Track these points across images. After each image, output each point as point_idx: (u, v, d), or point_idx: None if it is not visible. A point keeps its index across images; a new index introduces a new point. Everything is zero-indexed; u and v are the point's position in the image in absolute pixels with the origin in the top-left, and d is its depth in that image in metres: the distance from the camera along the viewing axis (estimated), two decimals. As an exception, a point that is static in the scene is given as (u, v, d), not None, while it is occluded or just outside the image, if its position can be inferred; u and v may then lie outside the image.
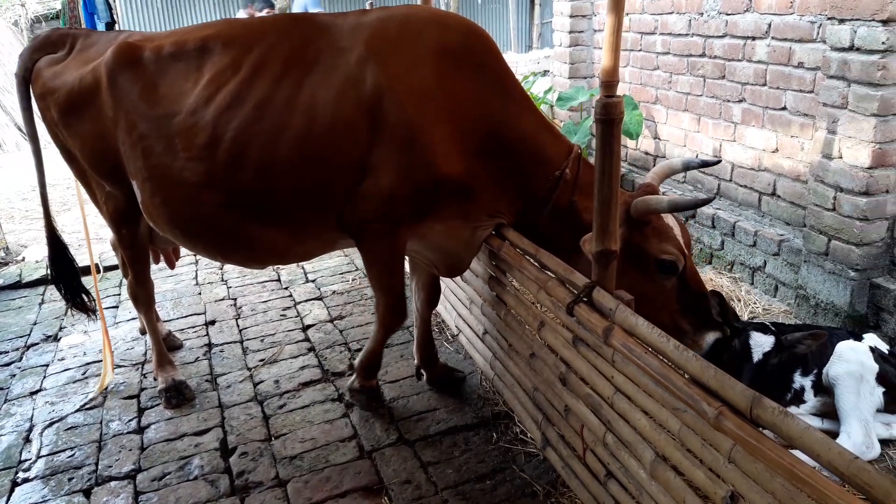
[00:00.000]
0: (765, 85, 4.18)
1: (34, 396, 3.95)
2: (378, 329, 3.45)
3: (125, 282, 4.00)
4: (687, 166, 3.14)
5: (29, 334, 4.72)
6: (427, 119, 2.83)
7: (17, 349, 4.52)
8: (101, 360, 4.24)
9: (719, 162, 2.73)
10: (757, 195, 4.38)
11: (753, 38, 4.20)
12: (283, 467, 3.18)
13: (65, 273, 3.97)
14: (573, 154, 3.01)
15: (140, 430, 3.55)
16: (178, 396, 3.73)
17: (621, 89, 5.41)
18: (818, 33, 3.75)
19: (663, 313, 2.85)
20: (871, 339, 3.13)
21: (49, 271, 3.99)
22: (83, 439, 3.50)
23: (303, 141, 2.88)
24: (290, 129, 2.88)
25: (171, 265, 4.29)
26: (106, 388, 3.93)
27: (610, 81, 3.06)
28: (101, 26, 14.19)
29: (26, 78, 3.52)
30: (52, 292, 5.31)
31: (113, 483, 3.16)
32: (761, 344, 3.14)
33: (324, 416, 3.55)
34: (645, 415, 2.27)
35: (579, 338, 2.59)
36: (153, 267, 3.96)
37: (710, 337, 2.92)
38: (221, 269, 5.62)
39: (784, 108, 4.08)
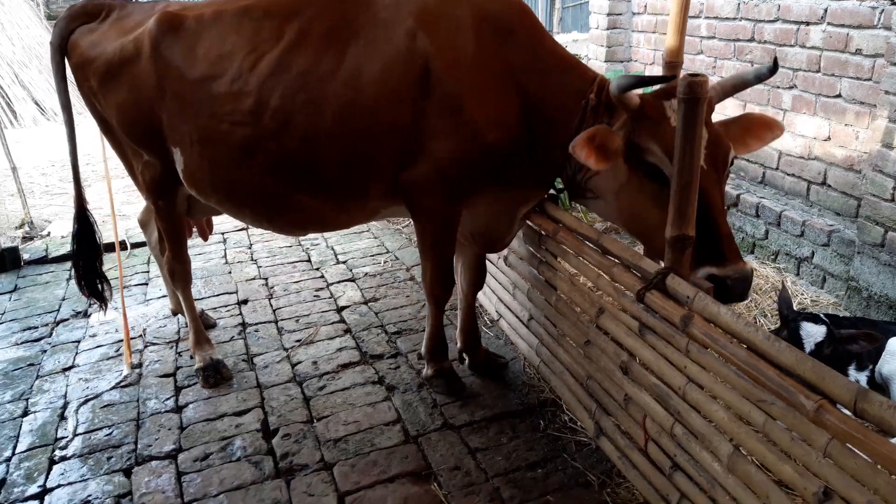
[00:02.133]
0: (818, 72, 4.07)
1: (67, 373, 3.89)
2: (429, 307, 3.45)
3: (153, 258, 3.93)
4: (759, 76, 2.47)
5: (58, 310, 4.66)
6: (473, 87, 2.81)
7: (47, 325, 4.46)
8: (133, 338, 4.19)
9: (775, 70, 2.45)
10: (805, 184, 4.28)
11: (808, 24, 4.08)
12: (328, 450, 3.12)
13: (86, 255, 3.88)
14: (597, 81, 2.83)
15: (178, 409, 3.49)
16: (215, 375, 3.68)
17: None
18: (879, 19, 3.64)
19: (657, 233, 2.47)
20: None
21: (72, 247, 3.90)
22: (120, 417, 3.44)
23: (348, 112, 2.87)
24: (334, 99, 2.87)
25: (205, 237, 4.22)
26: (138, 365, 3.87)
27: (674, 62, 3.00)
28: None
29: (62, 47, 3.50)
30: (79, 268, 5.26)
31: (154, 462, 3.10)
32: (813, 334, 3.05)
33: (365, 399, 3.48)
34: (722, 406, 2.20)
35: (647, 326, 2.51)
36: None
37: (703, 271, 2.39)
38: (250, 248, 5.55)
39: (839, 96, 3.97)
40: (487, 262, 4.01)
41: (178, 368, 3.85)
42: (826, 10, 3.95)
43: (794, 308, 3.50)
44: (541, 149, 2.92)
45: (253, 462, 3.07)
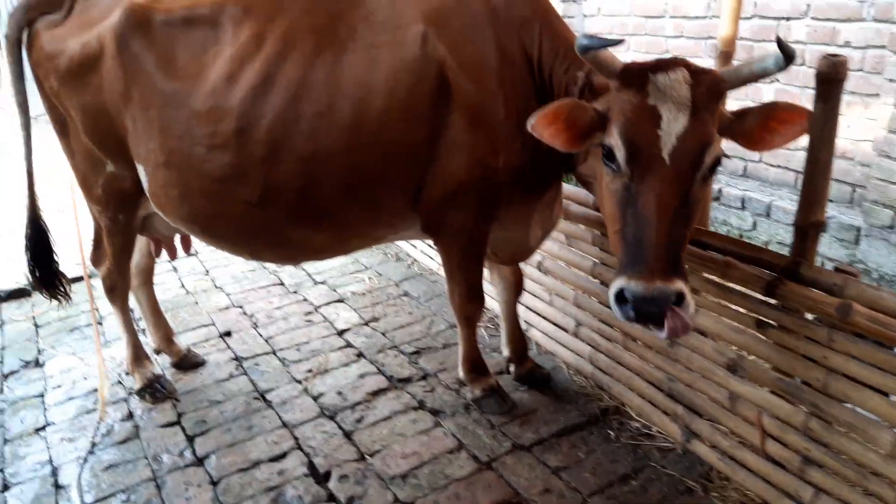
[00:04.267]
0: (803, 65, 4.22)
1: (42, 433, 3.31)
2: (460, 325, 3.22)
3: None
4: (778, 64, 1.96)
5: (1, 361, 3.98)
6: (494, 92, 2.55)
7: (-8, 380, 3.80)
8: (110, 385, 3.65)
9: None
10: (793, 174, 4.43)
11: (788, 19, 4.23)
12: (399, 488, 2.81)
13: (41, 256, 3.43)
14: None
15: (199, 461, 3.04)
16: (161, 390, 3.49)
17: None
18: (868, 12, 3.81)
19: (607, 222, 2.19)
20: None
21: (26, 254, 3.41)
22: (133, 479, 2.95)
23: (354, 128, 2.53)
24: (335, 114, 2.53)
25: (174, 256, 3.73)
26: (129, 416, 3.37)
27: (729, 51, 2.97)
28: None
29: (19, 40, 3.03)
30: (11, 312, 4.57)
31: (198, 527, 2.68)
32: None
33: (414, 428, 3.19)
34: (879, 394, 2.14)
35: (766, 320, 2.43)
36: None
37: (616, 284, 1.97)
38: (208, 274, 5.04)
39: (826, 87, 4.13)
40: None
41: (180, 415, 3.37)
42: (809, 6, 4.11)
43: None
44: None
45: (318, 512, 2.72)
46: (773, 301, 2.39)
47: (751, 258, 2.45)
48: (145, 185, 2.92)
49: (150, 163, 2.80)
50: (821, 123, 2.15)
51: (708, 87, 1.97)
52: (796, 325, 2.32)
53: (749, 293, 2.49)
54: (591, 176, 2.60)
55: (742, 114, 2.11)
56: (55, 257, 3.46)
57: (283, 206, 2.69)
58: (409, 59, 2.49)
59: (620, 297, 1.96)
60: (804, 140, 3.99)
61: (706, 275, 2.64)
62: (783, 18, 4.27)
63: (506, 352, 3.52)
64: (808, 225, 2.26)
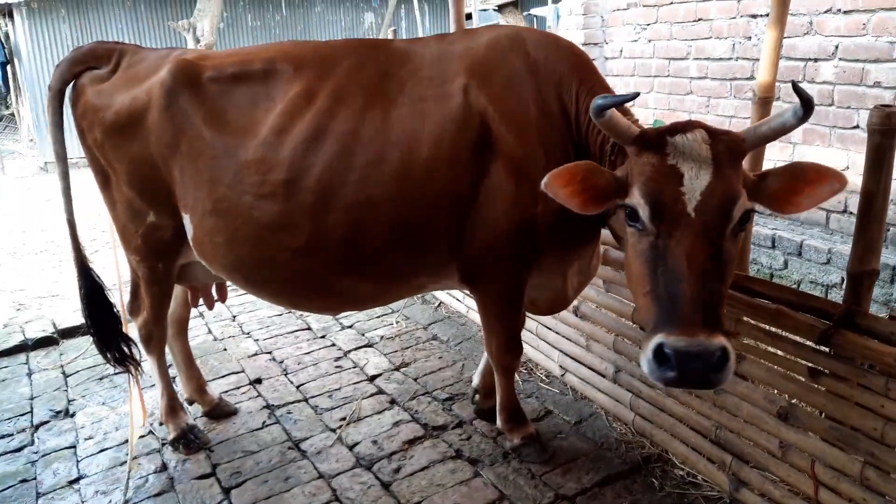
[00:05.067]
0: (832, 105, 4.23)
1: (76, 486, 3.27)
2: (498, 376, 3.21)
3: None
4: (798, 117, 1.93)
5: (31, 411, 3.96)
6: (535, 143, 2.59)
7: (23, 430, 3.76)
8: (143, 436, 3.62)
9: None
10: (824, 213, 4.41)
11: (816, 60, 4.25)
12: (444, 542, 2.76)
13: (102, 320, 3.38)
14: None
15: (238, 515, 3.00)
16: (196, 440, 3.45)
17: (645, 115, 5.39)
18: (897, 53, 3.83)
19: (633, 286, 2.14)
20: None
21: (85, 318, 3.37)
22: (171, 533, 2.91)
23: (401, 177, 2.58)
24: (384, 164, 2.59)
25: (211, 306, 3.73)
26: (163, 468, 3.33)
27: (768, 97, 2.97)
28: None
29: (62, 91, 3.11)
30: (39, 361, 4.57)
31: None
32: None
33: (453, 478, 3.13)
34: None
35: (820, 369, 2.38)
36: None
37: (653, 341, 1.89)
38: (235, 319, 5.03)
39: (857, 127, 4.13)
40: (548, 316, 3.82)
41: (215, 466, 3.32)
42: (837, 47, 4.13)
43: None
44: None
45: (362, 568, 2.66)
46: (825, 349, 2.35)
47: (803, 306, 2.42)
48: (190, 233, 2.96)
49: (197, 211, 2.84)
50: (874, 174, 2.14)
51: (727, 147, 1.98)
52: (851, 374, 2.28)
53: (800, 341, 2.46)
54: (621, 230, 2.58)
55: (765, 175, 2.09)
56: (115, 312, 3.41)
57: (330, 254, 2.72)
58: (453, 110, 2.55)
59: (659, 355, 1.87)
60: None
61: (755, 321, 2.61)
62: (811, 59, 4.29)
63: (476, 382, 3.56)
64: (863, 273, 2.23)
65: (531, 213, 2.60)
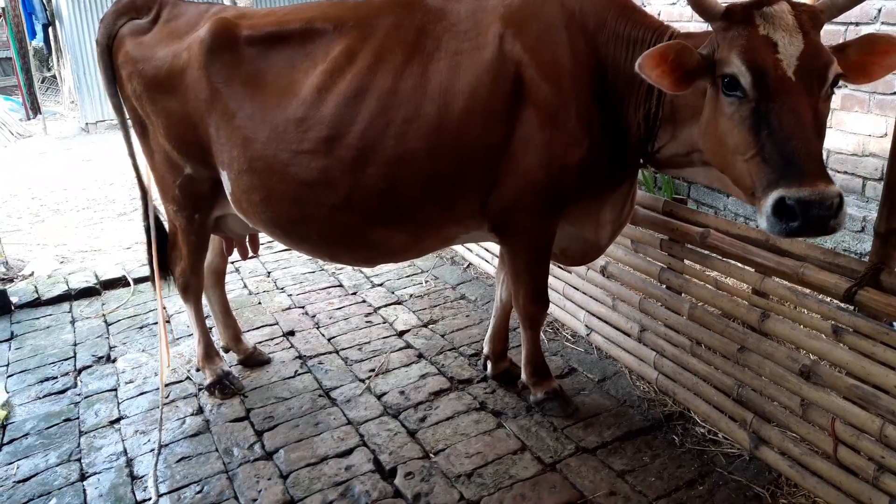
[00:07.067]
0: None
1: (116, 426, 3.43)
2: (524, 327, 3.25)
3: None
4: None
5: (74, 356, 4.13)
6: (568, 93, 2.62)
7: (67, 374, 3.94)
8: (180, 381, 3.77)
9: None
10: (861, 180, 4.35)
11: (857, 24, 4.17)
12: (465, 487, 2.85)
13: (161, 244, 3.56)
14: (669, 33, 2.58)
15: (268, 455, 3.12)
16: (231, 386, 3.59)
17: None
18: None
19: (736, 158, 2.16)
20: None
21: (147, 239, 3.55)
22: (205, 471, 3.04)
23: (437, 130, 2.64)
24: (421, 119, 2.65)
25: (245, 256, 3.84)
26: (199, 410, 3.47)
27: None
28: (38, 26, 13.16)
29: (109, 46, 3.19)
30: (82, 309, 4.74)
31: (271, 519, 2.75)
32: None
33: (476, 428, 3.22)
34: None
35: (844, 326, 2.40)
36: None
37: (771, 197, 1.97)
38: (269, 275, 5.15)
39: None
40: (574, 275, 3.86)
41: (249, 410, 3.45)
42: (880, 10, 4.04)
43: None
44: (632, 137, 2.69)
45: (386, 507, 2.76)
46: (849, 307, 2.36)
47: (829, 264, 2.43)
48: (228, 189, 3.05)
49: (234, 169, 2.92)
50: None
51: (809, 16, 2.08)
52: (875, 332, 2.29)
53: (824, 299, 2.47)
54: (679, 154, 2.59)
55: (842, 47, 2.18)
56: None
57: (367, 207, 2.81)
58: (488, 60, 2.60)
59: (779, 209, 1.95)
60: (871, 146, 3.92)
61: (780, 280, 2.62)
62: (852, 24, 4.21)
63: (486, 349, 3.60)
64: (890, 231, 2.23)
65: (563, 164, 2.65)
